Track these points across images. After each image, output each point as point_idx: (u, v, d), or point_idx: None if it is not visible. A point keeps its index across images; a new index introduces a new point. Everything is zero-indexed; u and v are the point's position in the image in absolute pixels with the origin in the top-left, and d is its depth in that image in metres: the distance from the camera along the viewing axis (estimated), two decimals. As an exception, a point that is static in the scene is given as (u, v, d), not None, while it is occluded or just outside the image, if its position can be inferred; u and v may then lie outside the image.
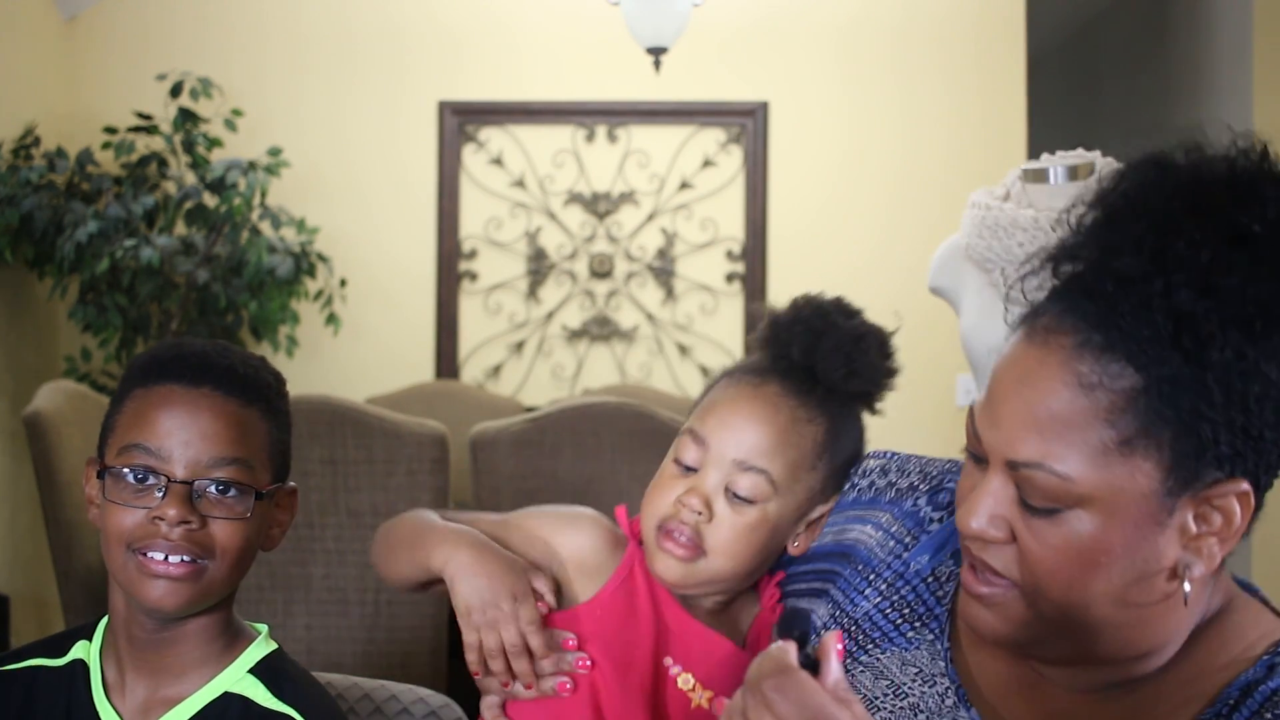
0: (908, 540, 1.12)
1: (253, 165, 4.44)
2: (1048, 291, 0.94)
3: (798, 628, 0.90)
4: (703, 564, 1.15)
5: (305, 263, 4.59)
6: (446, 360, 5.01)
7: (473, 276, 5.04)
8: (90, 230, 4.21)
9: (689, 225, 5.02)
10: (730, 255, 5.01)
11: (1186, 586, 0.91)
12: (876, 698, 1.03)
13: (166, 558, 1.16)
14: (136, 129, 4.55)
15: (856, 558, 1.14)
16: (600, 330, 5.03)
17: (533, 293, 5.05)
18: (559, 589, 1.22)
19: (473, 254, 5.04)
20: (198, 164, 4.50)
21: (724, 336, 5.00)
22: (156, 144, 4.69)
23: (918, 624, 1.06)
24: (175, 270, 4.42)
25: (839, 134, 4.97)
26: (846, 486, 1.23)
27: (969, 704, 1.00)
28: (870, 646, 1.07)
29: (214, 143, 4.56)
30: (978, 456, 0.96)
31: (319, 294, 4.72)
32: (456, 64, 5.04)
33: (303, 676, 1.25)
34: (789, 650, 0.90)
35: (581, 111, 5.03)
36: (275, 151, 4.59)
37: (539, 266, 5.04)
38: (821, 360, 1.19)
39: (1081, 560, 0.90)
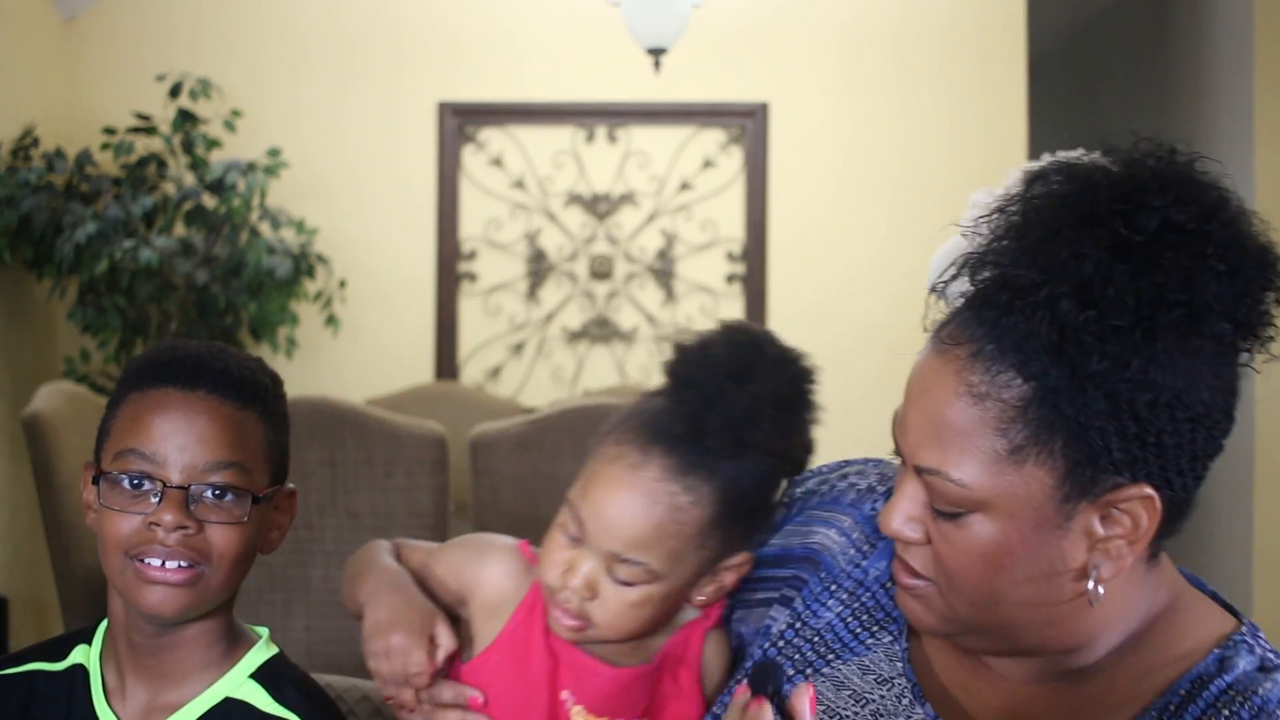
0: (865, 548, 1.13)
1: (252, 166, 4.44)
2: (963, 300, 0.97)
3: (771, 683, 0.90)
4: (594, 633, 1.11)
5: (304, 264, 4.59)
6: (446, 361, 5.00)
7: (472, 278, 5.04)
8: (89, 231, 4.21)
9: (689, 226, 5.02)
10: (730, 256, 5.00)
11: (1091, 585, 0.93)
12: (840, 708, 1.04)
13: (164, 563, 1.14)
14: (135, 130, 4.54)
15: (822, 565, 1.14)
16: (600, 331, 5.03)
17: (532, 294, 5.04)
18: (467, 630, 1.18)
19: (472, 255, 5.04)
20: (197, 165, 4.50)
21: (724, 337, 4.99)
22: (156, 145, 4.68)
23: (876, 628, 1.08)
24: (174, 271, 4.42)
25: (839, 135, 4.97)
26: (801, 491, 1.22)
27: (923, 700, 1.02)
28: (831, 658, 1.08)
29: (213, 143, 4.55)
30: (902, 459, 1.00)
31: (318, 295, 4.72)
32: (456, 65, 5.04)
33: (304, 681, 1.24)
34: (765, 712, 0.91)
35: (581, 112, 5.03)
36: (274, 152, 4.59)
37: (539, 268, 5.04)
38: (708, 437, 1.08)
39: (986, 562, 0.93)
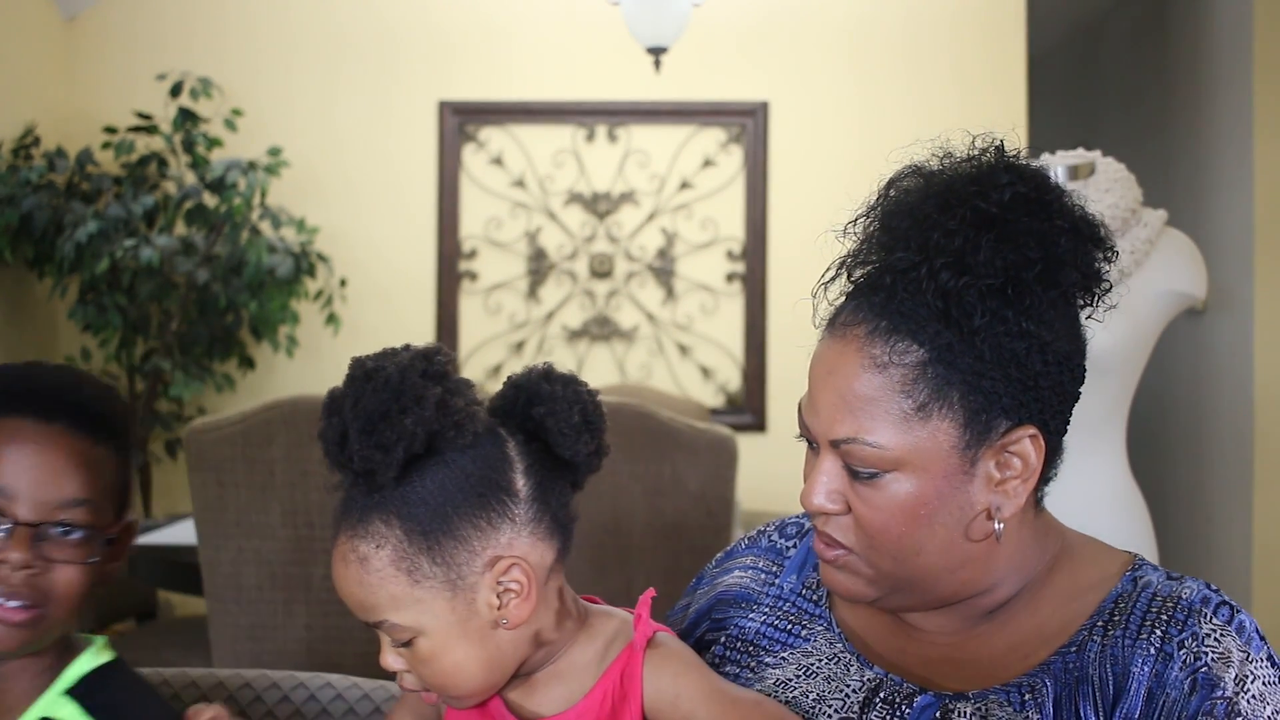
0: (774, 570, 1.24)
1: (253, 165, 4.44)
2: (845, 296, 1.09)
3: None
4: (447, 701, 1.08)
5: (305, 263, 4.59)
6: (446, 360, 5.01)
7: (473, 276, 5.04)
8: (90, 230, 4.22)
9: (689, 225, 5.02)
10: (730, 255, 5.01)
11: (999, 525, 1.05)
12: (788, 680, 1.13)
13: (5, 601, 1.09)
14: (136, 129, 4.55)
15: (734, 598, 1.24)
16: (600, 330, 5.03)
17: (533, 293, 5.05)
18: None
19: (473, 254, 5.04)
20: (197, 164, 4.50)
21: (724, 336, 5.00)
22: (156, 144, 4.69)
23: (806, 623, 1.19)
24: (175, 270, 4.42)
25: (839, 134, 4.97)
26: (697, 583, 1.31)
27: (870, 664, 1.12)
28: (775, 649, 1.17)
29: (214, 142, 4.56)
30: (811, 443, 1.10)
31: (319, 294, 4.72)
32: (456, 64, 5.04)
33: (130, 694, 1.18)
34: None
35: (581, 111, 5.03)
36: (275, 151, 4.59)
37: (539, 266, 5.04)
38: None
39: (905, 515, 1.04)
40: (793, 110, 5.01)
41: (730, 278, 5.01)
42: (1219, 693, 1.01)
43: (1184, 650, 1.03)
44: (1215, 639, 1.04)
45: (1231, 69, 4.82)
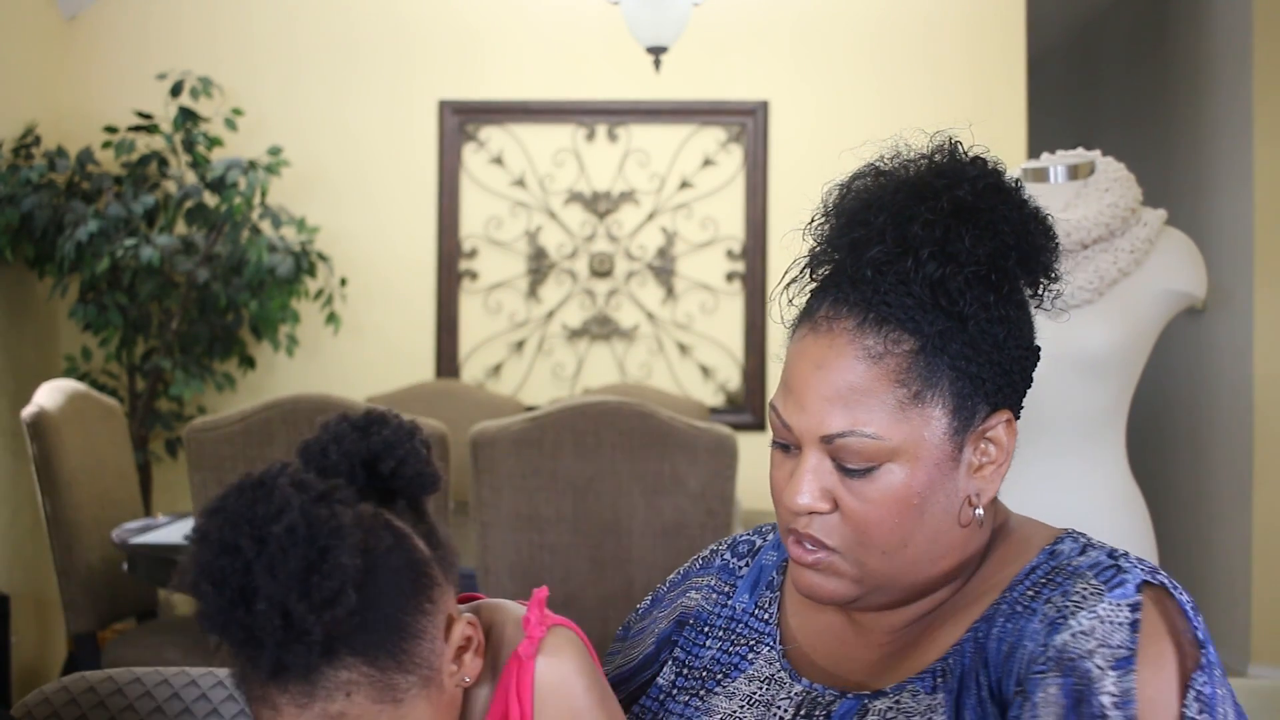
0: (727, 590, 1.25)
1: (253, 164, 4.44)
2: (809, 294, 1.10)
3: None
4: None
5: (305, 262, 4.59)
6: (447, 359, 5.01)
7: (473, 275, 5.05)
8: (90, 229, 4.22)
9: (689, 224, 5.03)
10: (730, 254, 5.01)
11: (979, 513, 1.07)
12: (734, 712, 1.14)
13: None
14: (137, 128, 4.55)
15: (691, 619, 1.25)
16: (600, 329, 5.03)
17: (533, 292, 5.05)
18: None
19: (473, 253, 5.04)
20: (198, 163, 4.50)
21: (724, 336, 5.00)
22: (157, 143, 4.69)
23: (754, 644, 1.19)
24: (175, 269, 4.42)
25: (839, 133, 4.97)
26: (653, 599, 1.32)
27: (799, 677, 1.13)
28: (723, 679, 1.18)
29: (214, 142, 4.56)
30: (786, 445, 1.09)
31: (319, 293, 4.72)
32: (457, 63, 5.05)
33: None
34: None
35: (581, 111, 5.03)
36: (275, 151, 4.59)
37: (539, 265, 5.04)
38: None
39: (899, 506, 1.04)
40: (793, 110, 5.01)
41: (730, 277, 5.01)
42: (1055, 636, 0.98)
43: (1049, 605, 1.01)
44: (1082, 596, 1.00)
45: (1231, 69, 4.82)
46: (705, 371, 5.01)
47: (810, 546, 1.08)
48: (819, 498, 1.06)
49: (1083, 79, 6.67)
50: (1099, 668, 0.95)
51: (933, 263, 1.02)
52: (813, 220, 1.13)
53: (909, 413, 1.03)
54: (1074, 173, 2.23)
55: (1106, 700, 0.94)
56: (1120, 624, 0.97)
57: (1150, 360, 2.27)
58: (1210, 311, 4.88)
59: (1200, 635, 0.99)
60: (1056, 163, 2.25)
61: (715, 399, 4.99)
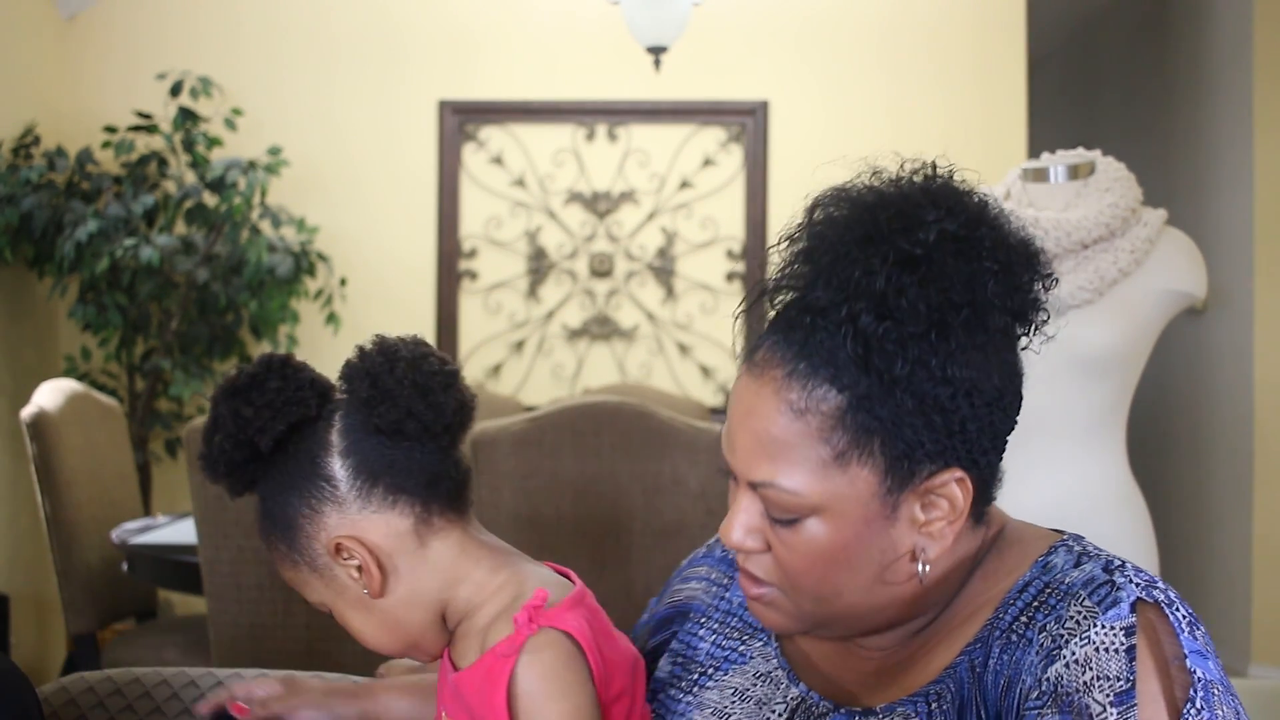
0: (725, 581, 1.23)
1: (253, 164, 4.44)
2: (767, 325, 1.04)
3: None
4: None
5: (305, 262, 4.59)
6: (446, 359, 5.01)
7: (473, 275, 5.05)
8: (90, 229, 4.22)
9: (689, 224, 5.03)
10: (730, 254, 5.01)
11: (924, 568, 1.01)
12: (725, 706, 1.13)
13: None
14: (136, 128, 4.55)
15: (690, 610, 1.24)
16: (600, 329, 5.03)
17: (533, 292, 5.05)
18: None
19: (473, 253, 5.04)
20: (198, 163, 4.50)
21: (724, 336, 5.00)
22: (156, 143, 4.69)
23: (748, 639, 1.17)
24: (175, 269, 4.42)
25: (839, 133, 4.97)
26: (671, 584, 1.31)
27: (798, 681, 1.11)
28: (715, 672, 1.17)
29: (214, 142, 4.56)
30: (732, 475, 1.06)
31: (319, 293, 4.72)
32: (457, 63, 5.05)
33: None
34: None
35: (581, 111, 5.03)
36: (275, 151, 4.59)
37: (539, 265, 5.04)
38: None
39: (824, 560, 1.01)
40: (793, 110, 5.01)
41: (730, 277, 5.01)
42: (1050, 667, 0.96)
43: (1044, 634, 0.97)
44: (1076, 621, 0.97)
45: (1231, 68, 4.82)
46: (705, 371, 5.01)
47: (752, 580, 1.06)
48: (749, 536, 1.04)
49: (1083, 79, 6.67)
50: (1099, 703, 0.93)
51: (867, 316, 0.95)
52: (780, 241, 1.06)
53: (831, 471, 0.98)
54: (1074, 172, 2.23)
55: None
56: (1116, 651, 0.94)
57: (1150, 360, 2.27)
58: (1210, 312, 4.87)
59: (1196, 651, 0.96)
60: (1057, 162, 2.25)
61: (715, 399, 4.99)
